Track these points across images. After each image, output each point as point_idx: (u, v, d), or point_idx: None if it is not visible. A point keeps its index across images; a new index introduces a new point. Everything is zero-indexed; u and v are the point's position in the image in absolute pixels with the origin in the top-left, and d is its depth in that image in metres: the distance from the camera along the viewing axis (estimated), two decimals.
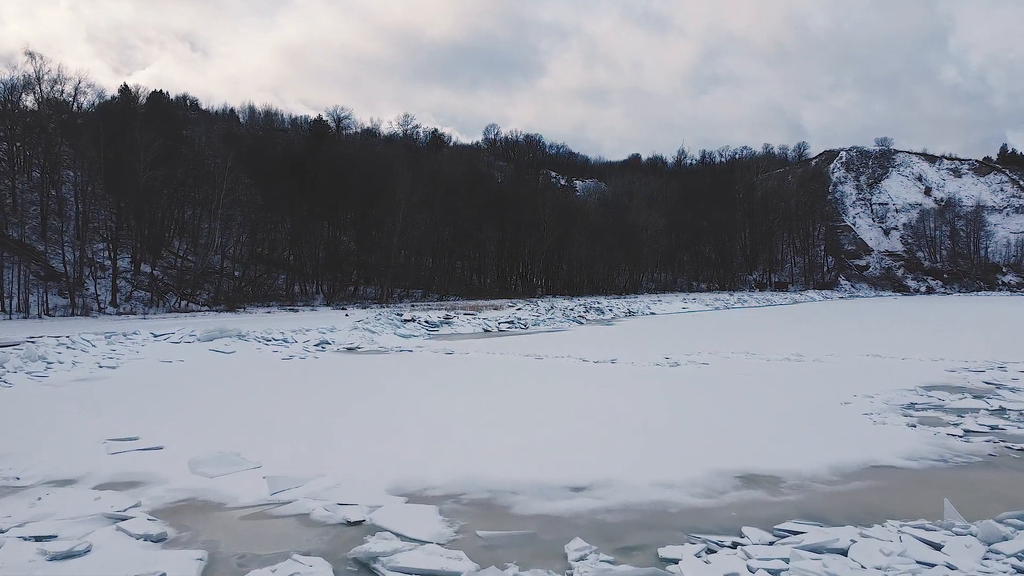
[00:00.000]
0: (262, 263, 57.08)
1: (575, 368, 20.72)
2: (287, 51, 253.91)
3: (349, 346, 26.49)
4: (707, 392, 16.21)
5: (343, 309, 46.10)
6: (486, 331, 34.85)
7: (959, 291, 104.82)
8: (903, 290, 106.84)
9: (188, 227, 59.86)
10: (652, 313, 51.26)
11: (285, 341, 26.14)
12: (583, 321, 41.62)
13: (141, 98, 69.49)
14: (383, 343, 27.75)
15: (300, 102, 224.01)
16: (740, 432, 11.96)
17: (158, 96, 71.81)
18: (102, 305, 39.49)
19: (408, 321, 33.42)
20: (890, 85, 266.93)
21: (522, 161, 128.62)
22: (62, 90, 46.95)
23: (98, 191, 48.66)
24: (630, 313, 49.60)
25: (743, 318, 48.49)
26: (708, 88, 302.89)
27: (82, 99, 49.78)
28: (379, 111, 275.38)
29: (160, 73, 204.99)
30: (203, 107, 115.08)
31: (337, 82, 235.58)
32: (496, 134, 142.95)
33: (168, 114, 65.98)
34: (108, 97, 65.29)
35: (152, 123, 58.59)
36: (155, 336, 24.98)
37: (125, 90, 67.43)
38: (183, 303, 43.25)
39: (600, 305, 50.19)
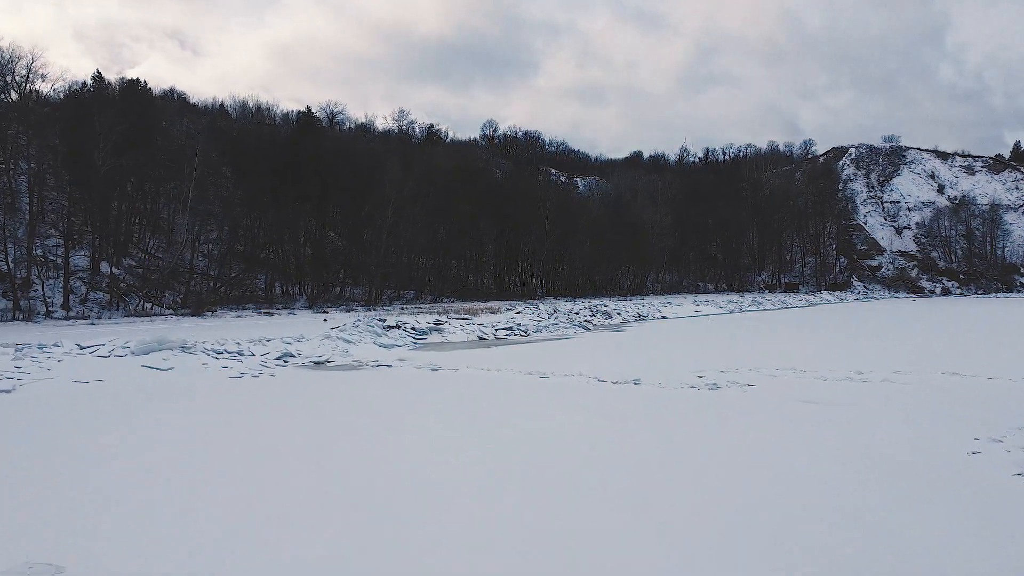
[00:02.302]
0: (242, 261, 52.84)
1: (591, 392, 16.49)
2: (278, 49, 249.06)
3: (317, 359, 22.27)
4: (775, 434, 11.97)
5: (325, 312, 41.89)
6: (481, 339, 30.62)
7: (976, 293, 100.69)
8: (918, 291, 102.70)
9: (164, 224, 55.67)
10: (663, 317, 47.07)
11: (239, 354, 21.87)
12: (589, 327, 37.42)
13: (116, 87, 65.11)
14: (359, 355, 23.51)
15: (293, 100, 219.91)
16: (859, 512, 7.73)
17: (134, 85, 67.39)
18: (51, 308, 35.21)
19: (392, 328, 29.17)
20: (886, 84, 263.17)
21: (521, 158, 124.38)
22: (13, 69, 42.53)
23: (60, 183, 44.49)
24: (640, 317, 45.40)
25: (765, 323, 44.30)
26: (703, 87, 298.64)
27: (40, 83, 45.29)
28: (373, 109, 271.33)
29: (150, 72, 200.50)
30: (191, 101, 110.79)
31: (329, 81, 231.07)
32: (494, 130, 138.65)
33: (144, 102, 61.62)
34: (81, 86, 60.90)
35: (126, 112, 54.46)
36: (80, 348, 20.71)
37: (98, 77, 63.11)
38: (146, 306, 39.00)
39: (607, 308, 45.97)
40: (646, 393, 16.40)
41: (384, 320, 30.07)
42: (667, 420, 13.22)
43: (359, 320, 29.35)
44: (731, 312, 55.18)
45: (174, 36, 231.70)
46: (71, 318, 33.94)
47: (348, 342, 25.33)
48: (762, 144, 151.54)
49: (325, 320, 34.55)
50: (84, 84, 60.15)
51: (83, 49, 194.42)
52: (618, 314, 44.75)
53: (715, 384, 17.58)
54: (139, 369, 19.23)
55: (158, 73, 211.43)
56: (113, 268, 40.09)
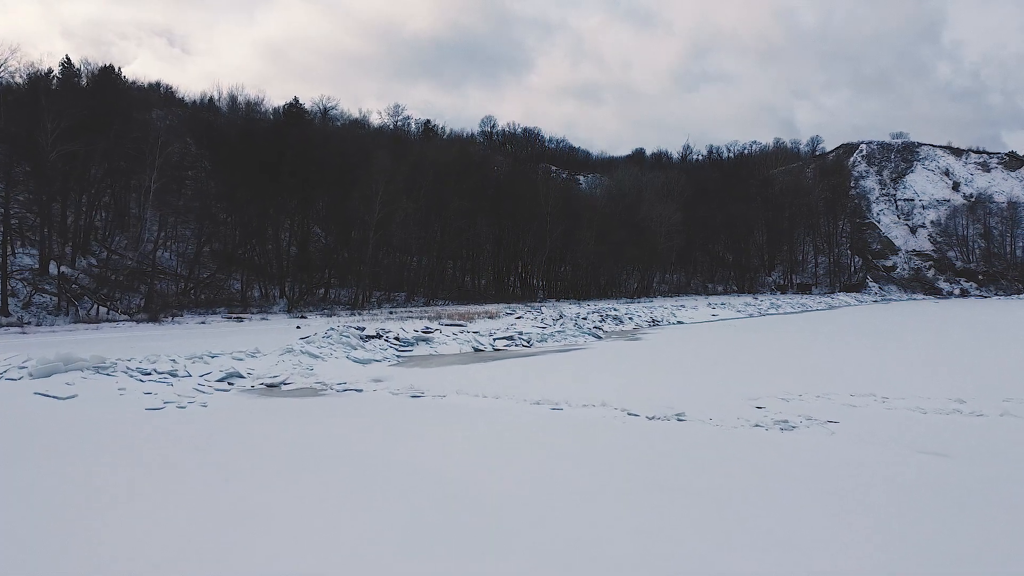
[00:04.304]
0: (217, 260, 48.47)
1: (623, 435, 12.10)
2: (268, 48, 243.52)
3: (271, 381, 17.84)
4: (924, 527, 7.55)
5: (303, 318, 37.52)
6: (477, 351, 26.23)
7: (996, 294, 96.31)
8: (935, 293, 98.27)
9: (133, 220, 51.30)
10: (679, 322, 42.67)
11: (172, 374, 17.48)
12: (600, 334, 33.04)
13: (88, 73, 60.73)
14: (325, 375, 19.10)
15: (284, 99, 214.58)
16: None
17: (108, 72, 62.90)
18: None
19: (371, 338, 24.75)
20: (882, 83, 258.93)
21: (521, 154, 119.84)
22: None
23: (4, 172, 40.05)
24: (654, 322, 40.98)
25: (795, 328, 39.89)
26: (698, 86, 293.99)
27: None
28: (366, 107, 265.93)
29: (140, 70, 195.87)
30: (179, 96, 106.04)
31: (321, 79, 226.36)
32: (492, 126, 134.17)
33: (116, 90, 57.22)
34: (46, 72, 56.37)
35: (93, 97, 50.27)
36: None
37: (67, 63, 58.66)
38: (100, 310, 34.59)
39: (617, 312, 41.57)
40: (698, 437, 12.01)
41: (362, 329, 25.64)
42: (744, 491, 8.79)
43: (332, 329, 24.92)
44: (750, 316, 50.80)
45: (162, 34, 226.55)
46: (5, 325, 29.52)
47: (315, 357, 20.93)
48: (767, 141, 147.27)
49: (298, 327, 30.20)
50: (49, 70, 55.72)
51: (72, 47, 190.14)
52: (629, 319, 40.35)
53: (785, 421, 13.21)
54: (29, 398, 14.84)
55: (148, 72, 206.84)
56: (62, 267, 35.64)
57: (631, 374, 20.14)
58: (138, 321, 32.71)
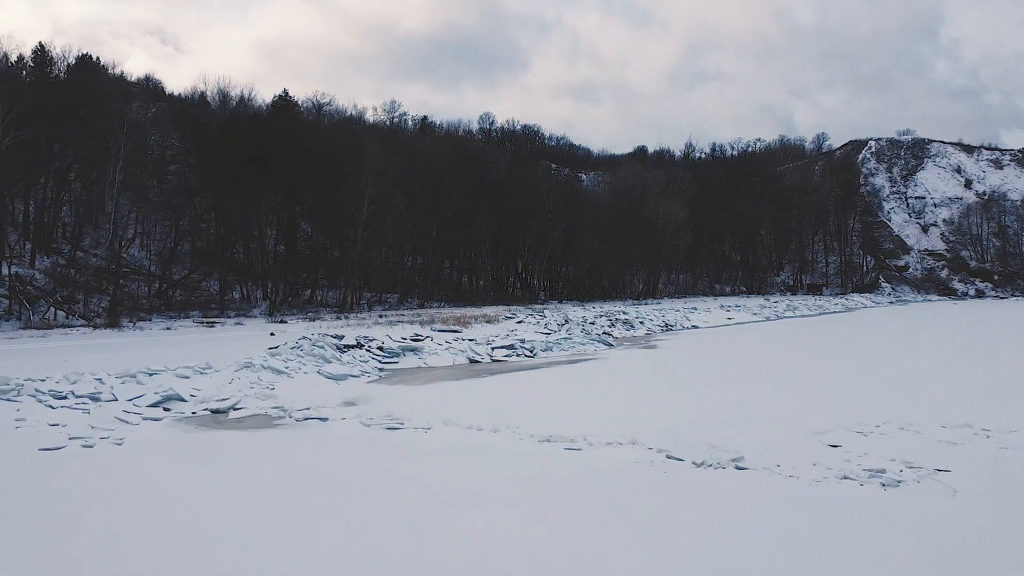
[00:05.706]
0: (195, 259, 45.08)
1: (664, 489, 8.79)
2: (263, 47, 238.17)
3: (218, 405, 14.54)
4: None
5: (282, 322, 34.20)
6: (472, 362, 22.87)
7: (1013, 295, 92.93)
8: (950, 293, 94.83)
9: (109, 217, 47.94)
10: (694, 326, 39.33)
11: (94, 398, 14.15)
12: (611, 341, 29.68)
13: (63, 62, 57.16)
14: (287, 395, 15.76)
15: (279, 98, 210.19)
16: None
17: (85, 61, 59.38)
18: None
19: (351, 347, 21.39)
20: (881, 82, 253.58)
21: (520, 152, 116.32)
22: None
23: None
24: (667, 327, 37.64)
25: (825, 334, 36.53)
26: (695, 85, 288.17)
27: None
28: (362, 104, 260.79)
29: (133, 69, 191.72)
30: (167, 91, 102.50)
31: (316, 78, 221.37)
32: (491, 123, 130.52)
33: (92, 78, 53.76)
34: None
35: (60, 86, 46.96)
36: None
37: (40, 51, 55.13)
38: (58, 315, 31.24)
39: (627, 316, 38.21)
40: (772, 498, 8.67)
41: (341, 337, 22.27)
42: None
43: (306, 337, 21.53)
44: (767, 319, 47.46)
45: (155, 33, 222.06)
46: None
47: (278, 373, 17.57)
48: (772, 138, 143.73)
49: (272, 334, 26.84)
50: (20, 57, 52.21)
51: (64, 46, 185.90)
52: (640, 323, 37.01)
53: (880, 470, 9.88)
54: None
55: (141, 71, 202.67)
56: (13, 267, 32.28)
57: (658, 395, 16.79)
58: (96, 327, 29.34)
